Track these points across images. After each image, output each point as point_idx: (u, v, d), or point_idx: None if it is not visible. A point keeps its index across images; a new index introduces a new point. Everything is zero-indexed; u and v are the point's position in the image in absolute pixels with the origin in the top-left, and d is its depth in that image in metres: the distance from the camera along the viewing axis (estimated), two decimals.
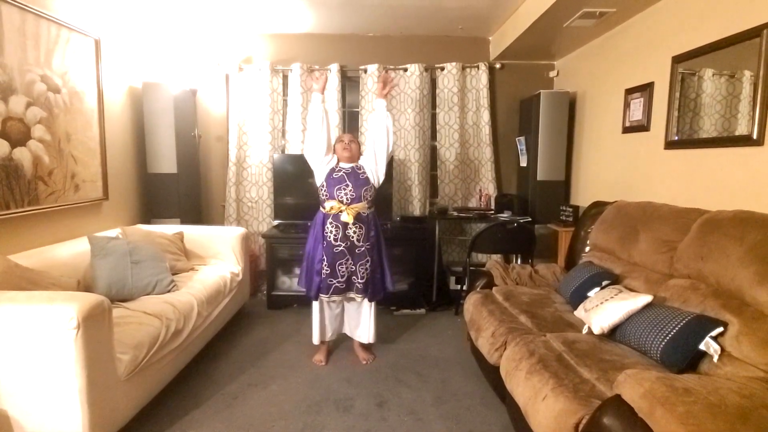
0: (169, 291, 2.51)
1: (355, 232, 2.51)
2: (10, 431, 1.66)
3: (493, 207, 3.96)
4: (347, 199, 2.50)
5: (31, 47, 2.42)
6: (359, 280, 2.55)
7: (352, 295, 2.61)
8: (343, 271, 2.52)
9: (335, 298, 2.60)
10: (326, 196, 2.53)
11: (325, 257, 2.52)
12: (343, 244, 2.51)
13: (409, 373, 2.59)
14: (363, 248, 2.54)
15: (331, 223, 2.51)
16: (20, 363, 1.62)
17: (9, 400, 1.65)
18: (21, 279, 1.97)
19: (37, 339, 1.60)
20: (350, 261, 2.53)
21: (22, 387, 1.64)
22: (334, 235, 2.50)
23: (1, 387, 1.64)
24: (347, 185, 2.50)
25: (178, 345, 2.24)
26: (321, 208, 2.59)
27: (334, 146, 2.60)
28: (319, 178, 2.57)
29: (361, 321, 2.71)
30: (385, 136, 2.57)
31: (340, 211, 2.49)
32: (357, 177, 2.54)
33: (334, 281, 2.52)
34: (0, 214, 2.24)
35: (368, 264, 2.56)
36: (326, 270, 2.52)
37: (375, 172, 2.58)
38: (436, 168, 4.17)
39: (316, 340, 2.69)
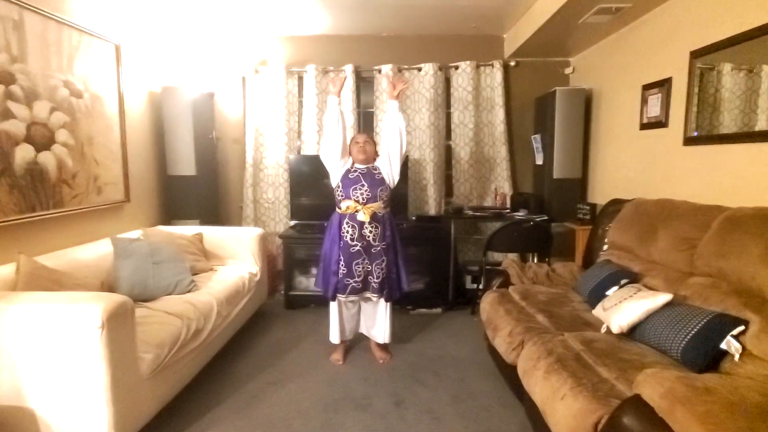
0: (189, 291, 2.56)
1: (371, 232, 2.53)
2: (37, 429, 1.71)
3: (508, 206, 3.94)
4: (363, 199, 2.52)
5: (53, 53, 2.49)
6: (375, 280, 2.57)
7: (368, 294, 2.62)
8: (359, 271, 2.54)
9: (352, 298, 2.62)
10: (342, 196, 2.55)
11: (341, 257, 2.54)
12: (360, 244, 2.53)
13: (427, 372, 2.60)
14: (379, 248, 2.56)
15: (347, 223, 2.53)
16: (46, 361, 1.67)
17: (35, 398, 1.70)
18: (47, 280, 2.03)
19: (63, 338, 1.64)
20: (366, 261, 2.55)
21: (48, 385, 1.69)
22: (351, 235, 2.52)
23: (28, 385, 1.69)
24: (363, 185, 2.52)
25: (199, 344, 2.28)
26: (337, 209, 2.61)
27: (349, 147, 2.62)
28: (335, 179, 2.59)
29: (377, 321, 2.73)
30: (398, 137, 2.57)
31: (357, 211, 2.51)
32: (372, 177, 2.56)
33: (351, 281, 2.54)
34: (26, 217, 2.32)
35: (383, 264, 2.57)
36: (343, 270, 2.54)
37: (390, 173, 2.60)
38: (451, 167, 4.16)
39: (334, 339, 2.72)
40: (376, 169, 2.60)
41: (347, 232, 2.53)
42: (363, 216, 2.50)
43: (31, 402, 1.70)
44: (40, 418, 1.71)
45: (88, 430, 1.69)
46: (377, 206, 2.54)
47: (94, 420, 1.68)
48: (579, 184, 3.76)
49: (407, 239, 3.27)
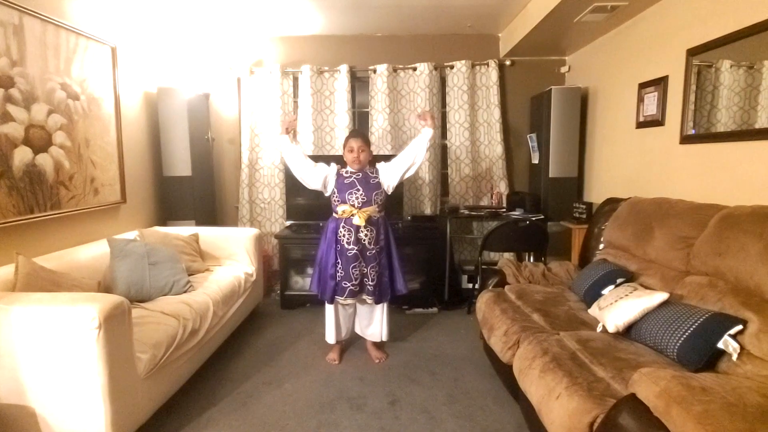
0: (185, 291, 2.56)
1: (366, 235, 2.54)
2: (37, 427, 1.72)
3: (504, 205, 3.94)
4: (358, 203, 2.52)
5: (51, 56, 2.49)
6: (370, 283, 2.58)
7: (364, 297, 2.63)
8: (356, 274, 2.55)
9: (349, 301, 2.63)
10: (338, 201, 2.55)
11: (339, 261, 2.55)
12: (356, 248, 2.53)
13: (422, 371, 2.60)
14: (374, 251, 2.56)
15: (344, 227, 2.53)
16: (45, 362, 1.67)
17: (35, 397, 1.71)
18: (45, 281, 2.03)
19: (61, 338, 1.65)
20: (362, 263, 2.56)
21: (47, 385, 1.69)
22: (347, 239, 2.53)
23: (27, 385, 1.70)
24: (358, 189, 2.52)
25: (195, 344, 2.28)
26: (333, 214, 2.61)
27: (343, 151, 2.58)
28: (329, 189, 2.59)
29: (373, 320, 2.73)
30: (409, 168, 2.59)
31: (352, 215, 2.52)
32: (368, 181, 2.55)
33: (348, 284, 2.54)
34: (24, 219, 2.32)
35: (378, 269, 2.58)
36: (341, 273, 2.55)
37: (389, 183, 2.59)
38: (446, 167, 4.16)
39: (331, 339, 2.72)
40: (373, 173, 2.59)
41: (344, 236, 2.53)
42: (358, 220, 2.50)
43: (31, 400, 1.71)
44: (40, 416, 1.72)
45: (86, 429, 1.70)
46: (372, 210, 2.54)
47: (91, 419, 1.69)
48: (575, 183, 3.75)
49: (403, 239, 3.26)
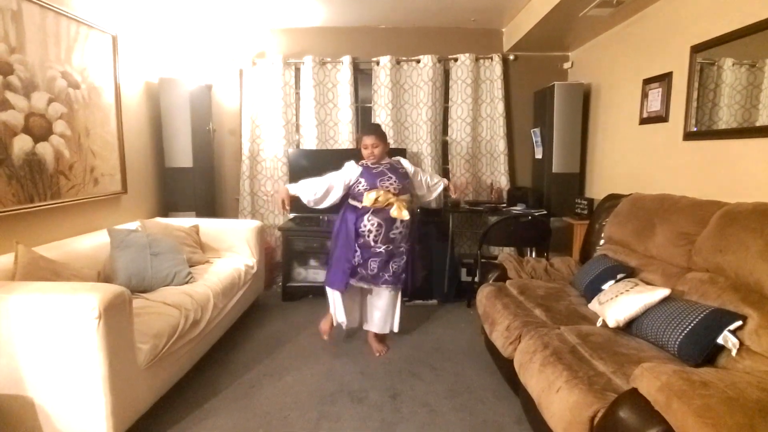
0: (186, 283, 2.55)
1: (401, 232, 2.44)
2: (36, 418, 1.71)
3: (505, 200, 3.94)
4: (394, 189, 2.40)
5: (51, 44, 2.47)
6: (389, 273, 2.53)
7: (381, 285, 2.57)
8: (373, 267, 2.51)
9: (362, 284, 2.56)
10: (367, 187, 2.40)
11: (360, 252, 2.46)
12: (383, 247, 2.43)
13: (423, 365, 2.60)
14: (402, 248, 2.49)
15: (369, 220, 2.41)
16: (45, 352, 1.67)
17: (34, 387, 1.70)
18: (45, 270, 2.02)
19: (61, 328, 1.64)
20: (384, 259, 2.50)
21: (47, 375, 1.68)
22: (375, 236, 2.42)
23: (27, 375, 1.69)
24: (390, 177, 2.42)
25: (196, 335, 2.28)
26: (357, 204, 2.48)
27: (360, 148, 2.53)
28: (353, 182, 2.47)
29: (386, 310, 2.68)
30: (422, 191, 2.63)
31: (389, 204, 2.39)
32: (396, 170, 2.50)
33: (365, 271, 2.51)
34: (24, 208, 2.31)
35: (402, 262, 2.54)
36: (359, 260, 2.48)
37: (410, 179, 2.58)
38: (448, 161, 4.15)
39: (341, 318, 2.64)
40: (399, 164, 2.56)
41: (370, 231, 2.42)
42: (396, 211, 2.35)
43: (30, 391, 1.70)
44: (39, 407, 1.71)
45: (86, 419, 1.70)
46: (407, 199, 2.45)
47: (91, 409, 1.69)
48: (577, 179, 3.76)
49: None
